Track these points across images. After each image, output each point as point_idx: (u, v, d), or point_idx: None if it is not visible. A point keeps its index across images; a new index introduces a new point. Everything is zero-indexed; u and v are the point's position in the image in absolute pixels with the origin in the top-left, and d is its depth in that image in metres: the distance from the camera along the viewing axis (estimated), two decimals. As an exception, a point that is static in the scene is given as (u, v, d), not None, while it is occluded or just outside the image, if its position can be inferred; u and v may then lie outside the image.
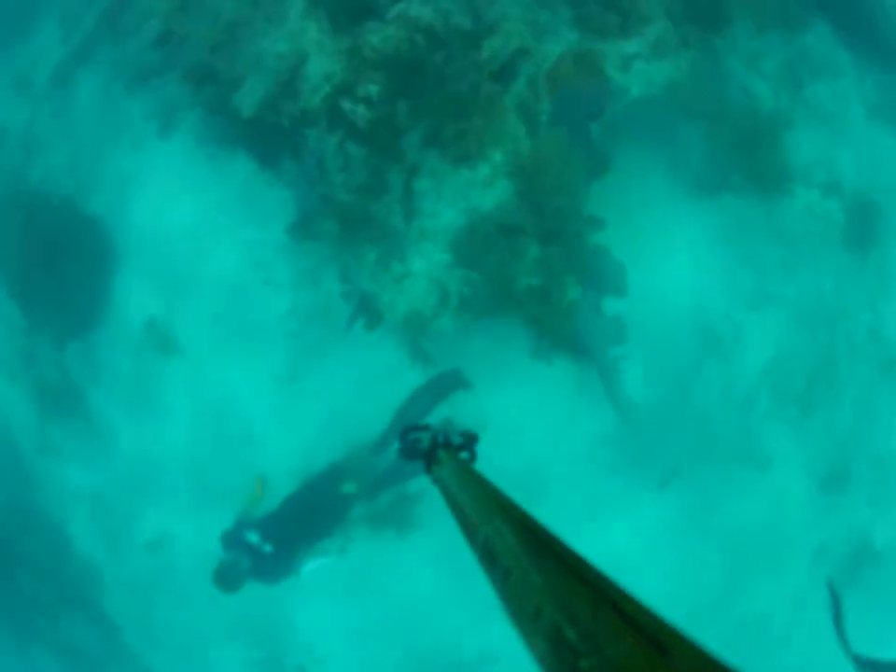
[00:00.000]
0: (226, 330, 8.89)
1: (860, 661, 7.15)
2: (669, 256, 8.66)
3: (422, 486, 8.48)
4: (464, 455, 2.37)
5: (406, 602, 9.17)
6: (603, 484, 8.94)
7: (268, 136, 8.15)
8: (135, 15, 8.84)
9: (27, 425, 10.06)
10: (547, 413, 8.79)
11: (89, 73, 9.37)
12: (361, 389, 8.67)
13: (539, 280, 7.87)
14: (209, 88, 8.34)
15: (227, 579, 7.04)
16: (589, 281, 8.08)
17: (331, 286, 8.50)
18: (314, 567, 7.65)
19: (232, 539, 7.29)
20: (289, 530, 7.53)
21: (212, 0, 8.38)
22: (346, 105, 7.70)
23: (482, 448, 2.43)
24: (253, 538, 7.24)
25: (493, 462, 2.71)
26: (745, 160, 8.48)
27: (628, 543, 8.97)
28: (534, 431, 8.81)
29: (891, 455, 9.67)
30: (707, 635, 1.02)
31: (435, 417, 8.07)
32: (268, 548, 7.22)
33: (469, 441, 2.44)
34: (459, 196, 7.90)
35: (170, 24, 8.55)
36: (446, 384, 8.55)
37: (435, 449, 2.28)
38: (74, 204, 9.16)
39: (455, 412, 8.32)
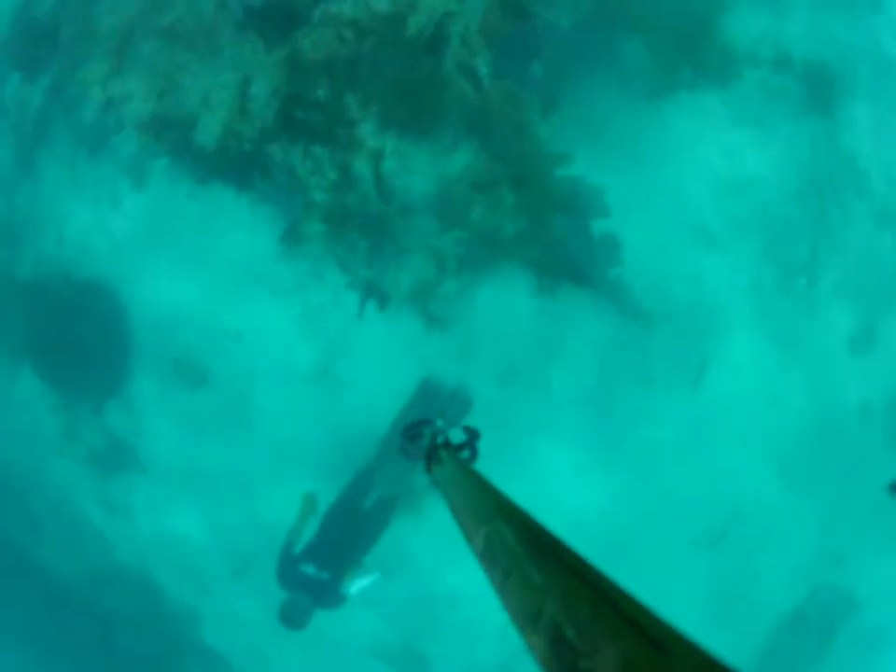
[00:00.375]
0: (249, 350, 8.91)
1: None
2: (642, 164, 8.58)
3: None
4: (464, 454, 2.31)
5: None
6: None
7: (237, 163, 8.15)
8: (78, 85, 8.80)
9: (89, 489, 10.16)
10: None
11: (49, 151, 9.34)
12: (389, 367, 8.70)
13: (524, 223, 7.90)
14: (168, 134, 8.31)
15: (293, 619, 6.76)
16: (571, 210, 8.08)
17: (334, 279, 8.49)
18: (362, 586, 7.28)
19: (290, 578, 6.93)
20: (339, 550, 7.23)
21: (144, 57, 8.34)
22: (299, 113, 7.70)
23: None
24: (310, 569, 6.92)
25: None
26: (689, 55, 8.39)
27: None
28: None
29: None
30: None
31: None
32: (325, 575, 6.91)
33: (472, 437, 2.37)
34: (427, 167, 7.91)
35: (112, 87, 8.51)
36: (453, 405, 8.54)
37: (436, 449, 2.24)
38: (76, 277, 9.17)
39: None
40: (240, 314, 8.80)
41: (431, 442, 2.28)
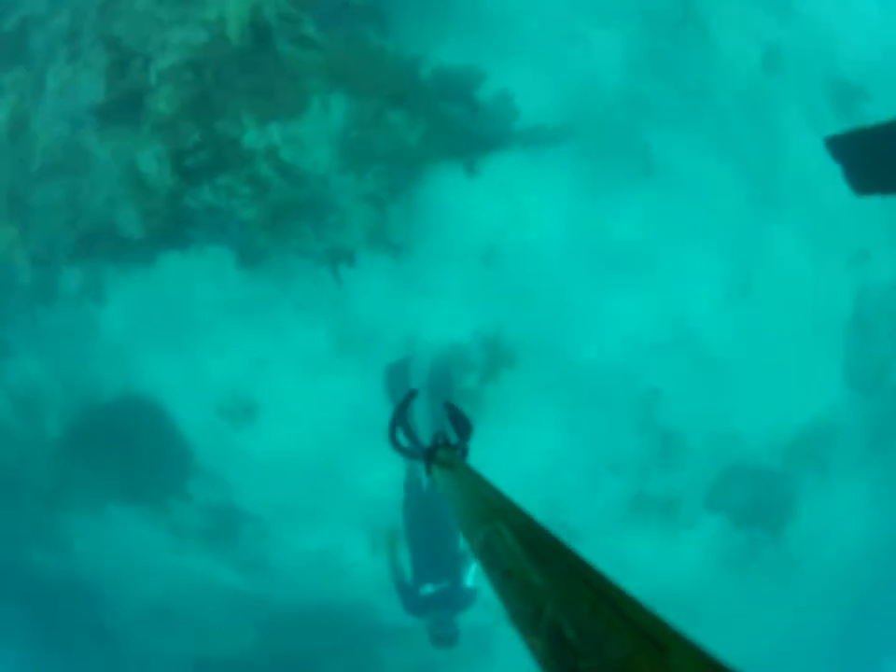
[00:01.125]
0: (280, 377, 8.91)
1: None
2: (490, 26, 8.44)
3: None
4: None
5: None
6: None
7: (169, 231, 8.20)
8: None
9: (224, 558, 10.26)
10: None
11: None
12: (390, 309, 8.77)
13: (423, 125, 7.98)
14: (98, 245, 8.30)
15: (447, 637, 6.47)
16: (458, 96, 8.03)
17: (302, 265, 8.48)
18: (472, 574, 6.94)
19: (419, 605, 6.65)
20: (438, 556, 6.98)
21: (47, 201, 8.30)
22: (189, 161, 7.67)
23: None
24: (428, 588, 6.69)
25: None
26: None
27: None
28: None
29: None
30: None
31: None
32: (444, 583, 6.68)
33: (464, 433, 2.29)
34: (316, 135, 7.93)
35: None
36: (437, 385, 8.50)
37: (435, 449, 2.16)
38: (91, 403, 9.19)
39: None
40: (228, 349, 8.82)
41: (432, 443, 2.22)
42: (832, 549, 10.94)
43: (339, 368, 8.87)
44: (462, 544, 7.04)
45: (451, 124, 8.10)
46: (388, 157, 8.03)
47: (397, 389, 8.43)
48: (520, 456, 9.12)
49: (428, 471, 2.12)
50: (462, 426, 2.30)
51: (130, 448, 9.32)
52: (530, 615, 1.00)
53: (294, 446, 9.09)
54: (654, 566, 9.84)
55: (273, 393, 8.93)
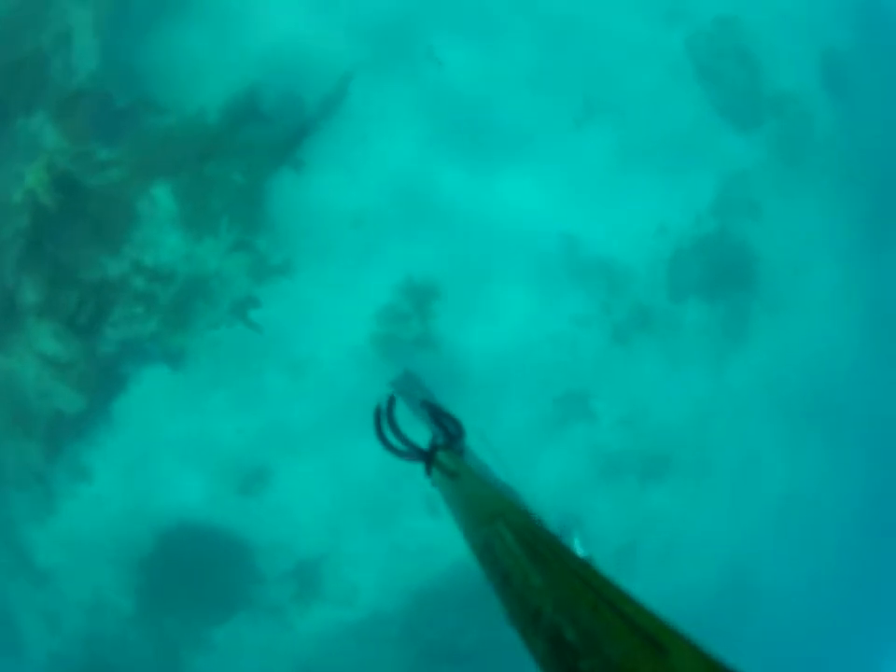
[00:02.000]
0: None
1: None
2: None
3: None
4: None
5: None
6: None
7: (104, 385, 8.37)
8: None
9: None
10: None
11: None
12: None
13: (239, 160, 8.24)
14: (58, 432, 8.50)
15: None
16: (250, 116, 8.37)
17: (220, 335, 8.49)
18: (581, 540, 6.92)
19: None
20: None
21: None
22: (81, 320, 8.02)
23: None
24: None
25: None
26: None
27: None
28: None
29: None
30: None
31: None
32: None
33: (458, 433, 2.26)
34: (161, 227, 8.09)
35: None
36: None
37: (434, 451, 2.14)
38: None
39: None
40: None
41: (431, 445, 2.20)
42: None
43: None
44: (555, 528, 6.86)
45: (258, 143, 8.25)
46: (228, 203, 8.18)
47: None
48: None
49: (428, 472, 2.09)
50: (451, 425, 2.28)
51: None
52: (530, 615, 0.99)
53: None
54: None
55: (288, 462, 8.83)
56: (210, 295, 8.24)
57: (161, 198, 7.96)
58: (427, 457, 2.10)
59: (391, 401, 2.42)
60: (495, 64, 8.63)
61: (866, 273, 10.92)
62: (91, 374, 8.19)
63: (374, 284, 8.60)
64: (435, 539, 8.54)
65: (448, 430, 2.25)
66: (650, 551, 9.65)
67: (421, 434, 2.47)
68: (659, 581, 9.49)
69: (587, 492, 9.35)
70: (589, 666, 0.81)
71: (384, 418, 2.36)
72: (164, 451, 8.45)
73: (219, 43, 8.21)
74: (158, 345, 8.30)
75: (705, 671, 0.73)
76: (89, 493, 8.40)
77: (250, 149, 8.21)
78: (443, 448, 2.14)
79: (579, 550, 6.50)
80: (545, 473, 9.04)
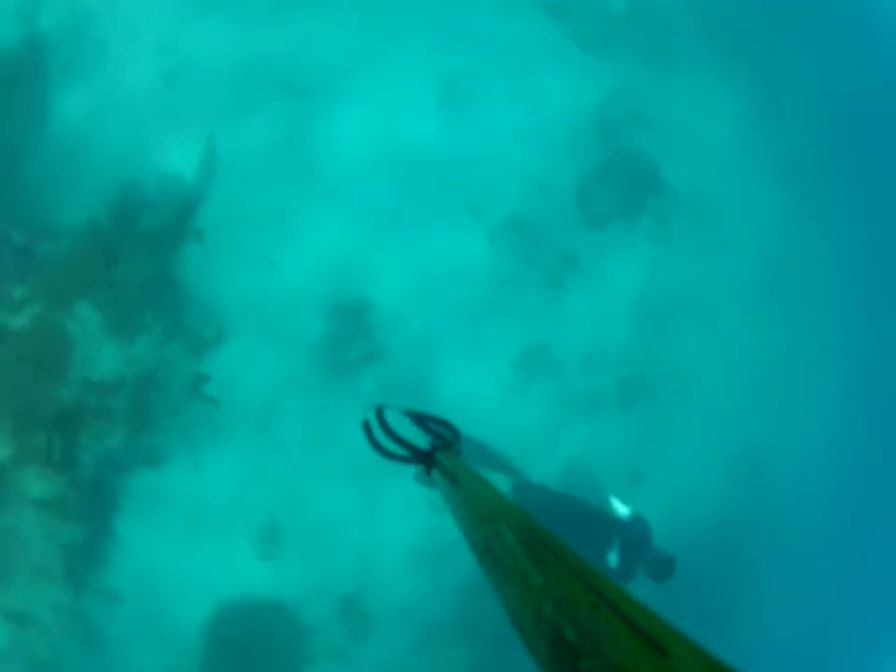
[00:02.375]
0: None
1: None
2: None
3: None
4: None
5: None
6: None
7: (96, 503, 8.36)
8: None
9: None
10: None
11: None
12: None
13: (146, 259, 8.25)
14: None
15: (662, 563, 5.76)
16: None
17: (186, 423, 8.55)
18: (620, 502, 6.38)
19: (629, 561, 5.95)
20: (586, 526, 6.23)
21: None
22: (55, 456, 7.88)
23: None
24: (613, 558, 5.97)
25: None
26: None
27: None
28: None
29: None
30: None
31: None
32: (615, 539, 6.04)
33: (453, 435, 2.25)
34: (95, 341, 8.07)
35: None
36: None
37: (434, 451, 2.12)
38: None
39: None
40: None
41: (431, 446, 2.20)
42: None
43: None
44: (591, 501, 6.58)
45: (153, 229, 8.30)
46: (147, 296, 8.15)
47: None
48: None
49: (428, 473, 2.10)
50: (443, 429, 2.29)
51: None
52: (530, 616, 0.99)
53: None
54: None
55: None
56: (161, 387, 8.20)
57: (86, 314, 7.88)
58: (428, 459, 2.11)
59: (380, 411, 2.42)
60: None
61: (768, 129, 11.09)
62: (82, 502, 8.05)
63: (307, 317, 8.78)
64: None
65: (443, 435, 2.25)
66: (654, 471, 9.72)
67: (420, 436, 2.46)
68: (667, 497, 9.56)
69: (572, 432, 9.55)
70: (589, 667, 0.80)
71: (376, 427, 2.35)
72: (171, 549, 8.42)
73: (81, 159, 8.22)
74: (132, 452, 8.29)
75: (705, 671, 0.74)
76: (122, 614, 8.30)
77: (149, 238, 8.19)
78: (442, 448, 2.14)
79: (620, 509, 6.39)
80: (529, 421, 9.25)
